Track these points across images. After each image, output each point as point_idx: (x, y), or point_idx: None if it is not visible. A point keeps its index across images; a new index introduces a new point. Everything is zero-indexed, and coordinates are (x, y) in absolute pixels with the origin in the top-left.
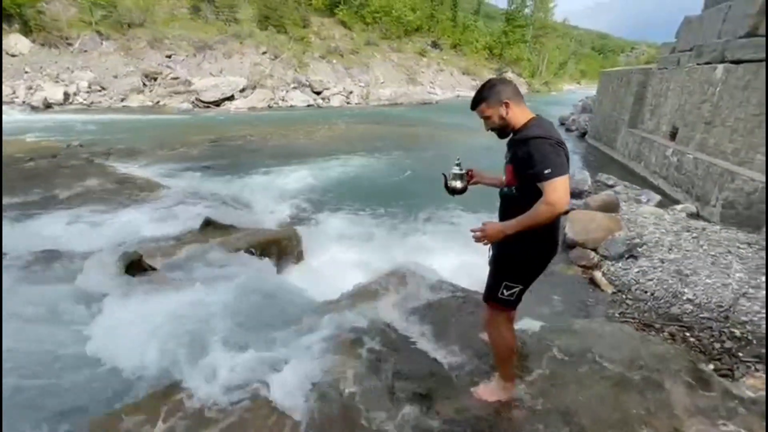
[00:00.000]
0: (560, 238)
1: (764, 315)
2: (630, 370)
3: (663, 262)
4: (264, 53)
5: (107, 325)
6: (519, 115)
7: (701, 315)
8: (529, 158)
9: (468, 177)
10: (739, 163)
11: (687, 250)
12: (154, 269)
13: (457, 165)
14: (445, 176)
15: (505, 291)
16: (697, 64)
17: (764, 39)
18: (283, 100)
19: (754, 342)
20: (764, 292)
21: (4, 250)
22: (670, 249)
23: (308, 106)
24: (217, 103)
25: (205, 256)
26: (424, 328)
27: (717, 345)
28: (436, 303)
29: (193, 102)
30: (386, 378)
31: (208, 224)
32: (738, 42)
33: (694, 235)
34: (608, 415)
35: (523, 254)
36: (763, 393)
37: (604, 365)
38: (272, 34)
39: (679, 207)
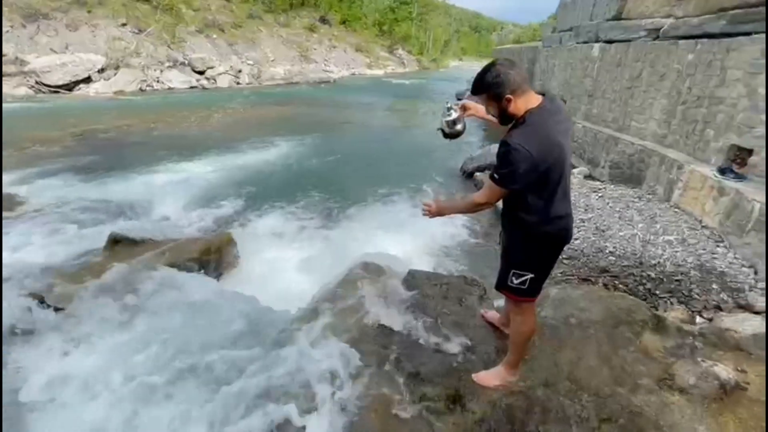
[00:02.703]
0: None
1: (668, 256)
2: (610, 328)
3: (584, 222)
4: (124, 25)
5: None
6: (521, 106)
7: (623, 264)
8: (497, 158)
9: (462, 111)
10: (618, 130)
11: (598, 209)
12: (61, 309)
13: (448, 110)
14: (441, 130)
15: (514, 279)
16: (577, 43)
17: (628, 22)
18: (158, 81)
19: (665, 280)
20: (665, 237)
21: None
22: (585, 209)
23: (191, 87)
24: (69, 87)
25: (124, 281)
26: (420, 323)
27: (641, 288)
28: (419, 295)
29: (33, 86)
30: (408, 384)
31: (117, 242)
32: (607, 24)
33: (600, 194)
34: (612, 375)
35: (526, 242)
36: (693, 325)
37: (588, 327)
38: (131, 3)
39: (576, 170)
